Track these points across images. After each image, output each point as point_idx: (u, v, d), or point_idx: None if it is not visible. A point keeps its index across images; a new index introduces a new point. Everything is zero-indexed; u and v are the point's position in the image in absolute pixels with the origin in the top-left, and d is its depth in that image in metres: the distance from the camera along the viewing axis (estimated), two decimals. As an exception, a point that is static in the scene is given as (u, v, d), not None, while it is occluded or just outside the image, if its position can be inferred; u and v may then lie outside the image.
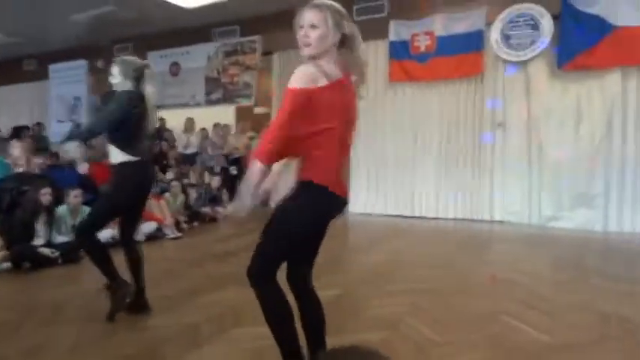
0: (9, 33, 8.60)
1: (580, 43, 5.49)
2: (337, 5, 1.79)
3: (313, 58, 1.75)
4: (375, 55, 6.92)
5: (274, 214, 1.81)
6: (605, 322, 2.79)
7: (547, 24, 5.68)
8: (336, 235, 5.71)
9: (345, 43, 1.80)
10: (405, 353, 2.37)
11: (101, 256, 2.88)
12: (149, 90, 2.91)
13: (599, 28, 5.41)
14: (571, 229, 5.58)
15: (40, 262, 4.05)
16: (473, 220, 6.27)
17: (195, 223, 6.18)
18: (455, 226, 6.16)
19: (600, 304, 3.09)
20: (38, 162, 5.46)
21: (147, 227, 5.31)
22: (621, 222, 5.48)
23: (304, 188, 1.78)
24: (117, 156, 2.81)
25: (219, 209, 6.61)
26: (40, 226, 4.40)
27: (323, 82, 1.69)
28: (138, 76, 2.89)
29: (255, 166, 1.69)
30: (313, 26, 1.73)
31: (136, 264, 3.02)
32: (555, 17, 5.64)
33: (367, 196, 6.86)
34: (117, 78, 2.89)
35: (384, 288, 3.47)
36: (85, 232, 2.84)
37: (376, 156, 6.79)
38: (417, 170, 6.67)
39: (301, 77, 1.68)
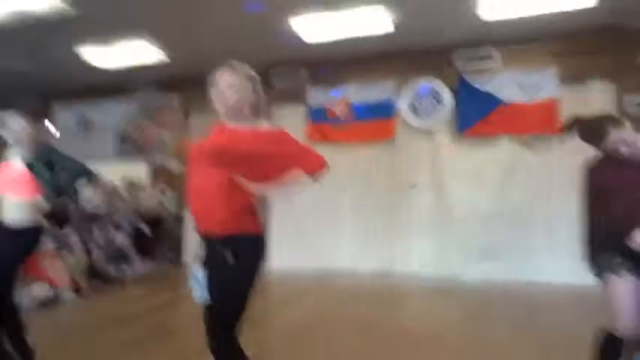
0: None
1: (475, 113, 6.21)
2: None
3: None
4: (294, 117, 7.16)
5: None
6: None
7: (447, 96, 6.36)
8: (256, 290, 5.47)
9: None
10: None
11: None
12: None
13: (490, 102, 6.17)
14: (479, 279, 5.90)
15: None
16: (388, 275, 6.39)
17: (97, 283, 5.59)
18: (373, 281, 6.19)
19: (510, 350, 3.23)
20: None
21: (38, 290, 4.69)
22: (520, 272, 5.87)
23: None
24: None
25: (125, 267, 6.10)
26: None
27: None
28: None
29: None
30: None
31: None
32: (455, 91, 6.34)
33: (289, 249, 6.77)
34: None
35: (303, 353, 3.32)
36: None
37: (295, 209, 6.80)
38: (335, 226, 6.79)
39: None
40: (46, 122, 8.44)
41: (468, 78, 6.30)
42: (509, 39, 6.08)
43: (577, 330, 3.64)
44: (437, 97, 6.42)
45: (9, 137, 2.83)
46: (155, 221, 7.62)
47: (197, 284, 1.81)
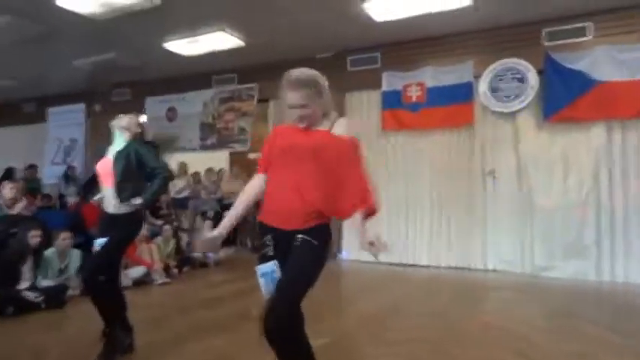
0: (10, 77, 8.76)
1: (564, 96, 5.70)
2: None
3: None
4: (367, 104, 7.11)
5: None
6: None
7: (533, 77, 5.91)
8: (328, 281, 5.63)
9: None
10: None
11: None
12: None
13: (582, 82, 5.63)
14: (564, 278, 5.55)
15: (24, 307, 3.93)
16: (466, 269, 6.23)
17: (186, 269, 6.07)
18: (448, 274, 6.11)
19: (594, 353, 3.04)
20: (26, 204, 5.41)
21: (135, 272, 5.21)
22: (614, 272, 5.46)
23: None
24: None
25: (211, 255, 6.52)
26: (26, 269, 4.30)
27: None
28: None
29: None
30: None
31: None
32: (540, 71, 5.87)
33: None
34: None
35: (378, 337, 3.39)
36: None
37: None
38: (409, 217, 6.68)
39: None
40: (141, 116, 9.16)
41: (557, 56, 5.81)
42: (604, 8, 5.51)
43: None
44: (521, 79, 6.01)
45: (116, 129, 3.08)
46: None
47: (268, 280, 1.88)
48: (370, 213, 1.87)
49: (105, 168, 3.01)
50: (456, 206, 6.40)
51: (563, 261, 5.69)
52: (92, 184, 3.19)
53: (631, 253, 5.42)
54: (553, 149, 5.85)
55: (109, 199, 2.97)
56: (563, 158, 5.79)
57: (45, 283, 4.39)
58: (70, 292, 4.46)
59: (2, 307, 3.86)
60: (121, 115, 3.15)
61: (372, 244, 1.75)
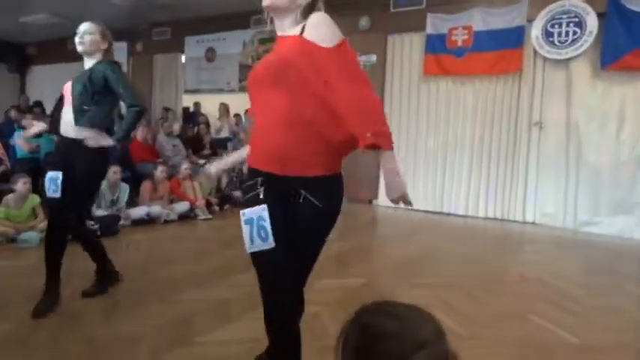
0: (54, 13, 8.88)
1: (627, 42, 5.27)
2: None
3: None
4: (410, 47, 6.86)
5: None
6: (637, 329, 2.73)
7: (592, 21, 5.49)
8: (363, 227, 5.74)
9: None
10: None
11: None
12: None
13: (649, 27, 5.20)
14: (607, 234, 5.43)
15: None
16: (504, 220, 6.17)
17: (227, 206, 6.30)
18: (485, 225, 6.09)
19: (633, 311, 3.03)
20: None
21: (180, 207, 5.46)
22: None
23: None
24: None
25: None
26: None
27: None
28: None
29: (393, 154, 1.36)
30: None
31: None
32: (601, 15, 5.44)
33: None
34: None
35: (410, 280, 3.49)
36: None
37: (408, 149, 6.75)
38: (448, 166, 6.59)
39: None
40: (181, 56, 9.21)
41: (622, -2, 5.35)
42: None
43: None
44: (578, 22, 5.59)
45: (79, 46, 2.72)
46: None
47: (252, 228, 1.53)
48: (381, 143, 1.33)
49: (67, 89, 2.75)
50: (498, 156, 6.25)
51: (608, 217, 5.53)
52: (59, 106, 2.80)
53: (681, 212, 5.21)
54: (608, 101, 5.52)
55: (67, 122, 2.68)
56: (619, 111, 5.46)
57: (100, 212, 4.68)
58: (121, 222, 4.76)
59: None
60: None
61: (394, 201, 1.38)
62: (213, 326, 2.49)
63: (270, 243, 1.49)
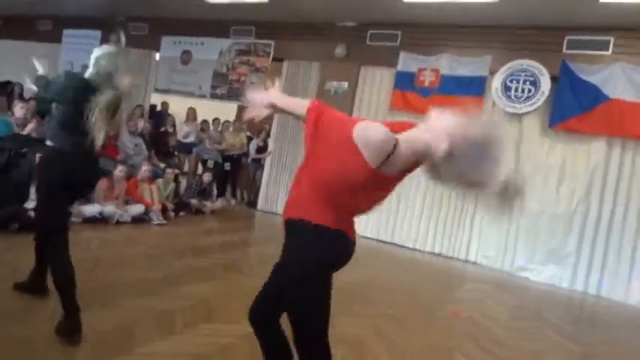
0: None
1: (573, 106, 5.78)
2: None
3: None
4: (380, 80, 7.17)
5: None
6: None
7: (545, 82, 5.97)
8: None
9: None
10: (361, 372, 2.56)
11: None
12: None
13: (594, 96, 5.70)
14: (539, 281, 5.83)
15: (28, 225, 4.13)
16: (448, 257, 6.50)
17: (182, 213, 6.30)
18: (431, 259, 6.38)
19: (548, 357, 3.31)
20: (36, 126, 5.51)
21: (135, 209, 5.43)
22: (587, 283, 5.73)
23: None
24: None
25: (207, 203, 6.74)
26: (33, 189, 4.49)
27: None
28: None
29: None
30: None
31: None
32: (554, 78, 5.94)
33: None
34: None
35: (350, 308, 3.64)
36: None
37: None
38: (402, 201, 6.88)
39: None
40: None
41: (574, 66, 5.85)
42: (629, 26, 5.51)
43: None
44: (534, 82, 6.07)
45: None
46: (234, 160, 8.18)
47: None
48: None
49: None
50: (449, 197, 6.59)
51: (541, 264, 5.96)
52: None
53: (606, 267, 5.65)
54: (552, 156, 6.00)
55: None
56: (561, 167, 5.95)
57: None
58: (72, 219, 4.67)
59: (8, 223, 4.07)
60: None
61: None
62: (154, 337, 2.55)
63: None
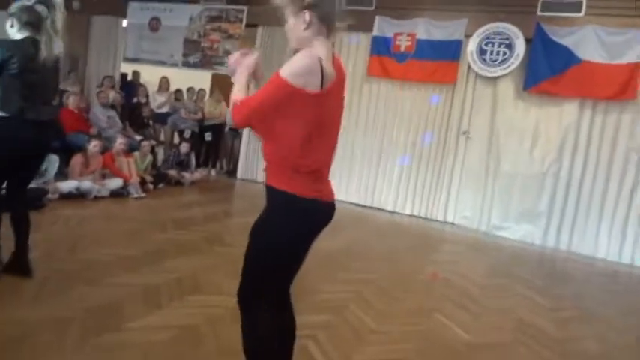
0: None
1: (546, 69, 5.87)
2: None
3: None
4: (356, 47, 7.09)
5: None
6: (519, 328, 3.20)
7: (520, 45, 6.02)
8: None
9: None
10: (345, 337, 2.68)
11: None
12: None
13: (566, 58, 5.79)
14: (513, 239, 6.07)
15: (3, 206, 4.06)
16: (427, 219, 6.67)
17: (161, 185, 6.24)
18: (410, 222, 6.54)
19: (519, 311, 3.51)
20: None
21: (113, 183, 5.36)
22: (558, 240, 5.98)
23: None
24: None
25: (186, 174, 6.70)
26: None
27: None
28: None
29: None
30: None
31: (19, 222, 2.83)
32: (528, 40, 5.98)
33: (337, 182, 7.13)
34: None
35: (334, 275, 3.76)
36: None
37: (346, 145, 7.01)
38: (381, 164, 6.96)
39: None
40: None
41: (547, 28, 5.90)
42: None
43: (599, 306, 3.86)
44: (509, 45, 6.10)
45: None
46: (215, 130, 8.07)
47: None
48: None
49: None
50: (427, 160, 6.71)
51: (515, 223, 6.19)
52: None
53: (576, 225, 5.92)
54: (526, 119, 6.12)
55: None
56: (534, 130, 6.08)
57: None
58: (49, 197, 4.61)
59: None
60: None
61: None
62: (142, 312, 2.60)
63: None
